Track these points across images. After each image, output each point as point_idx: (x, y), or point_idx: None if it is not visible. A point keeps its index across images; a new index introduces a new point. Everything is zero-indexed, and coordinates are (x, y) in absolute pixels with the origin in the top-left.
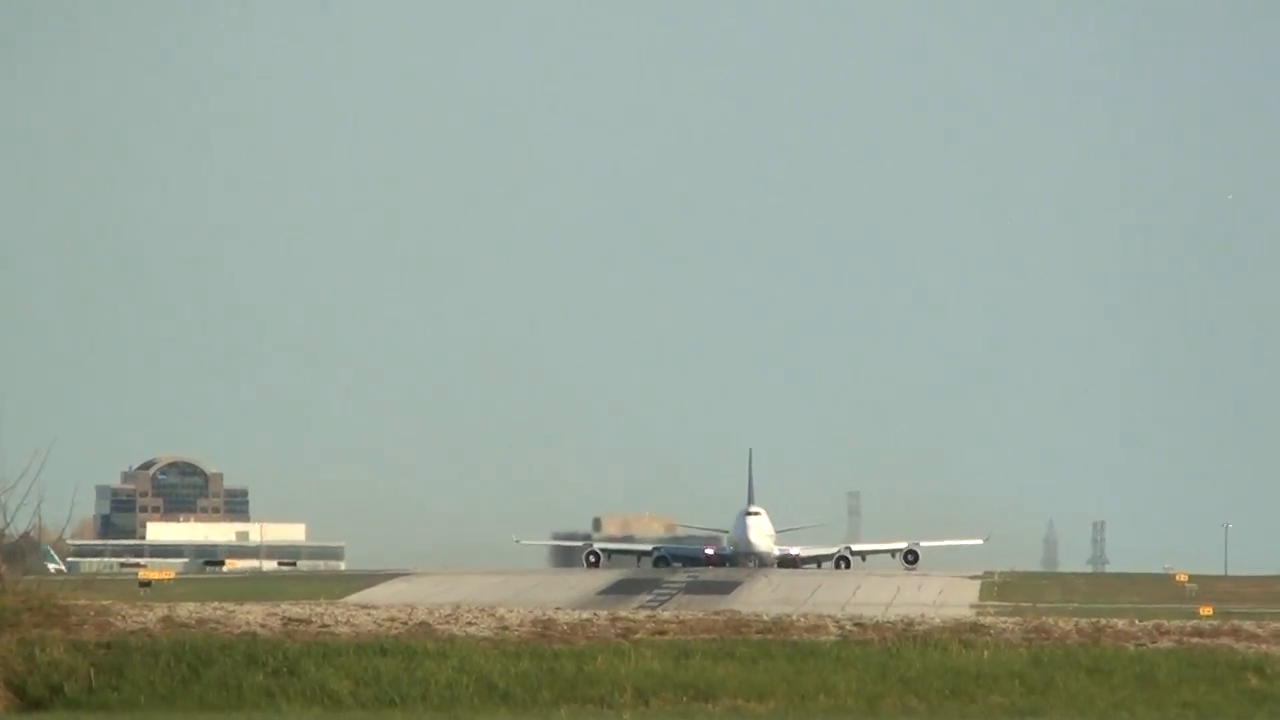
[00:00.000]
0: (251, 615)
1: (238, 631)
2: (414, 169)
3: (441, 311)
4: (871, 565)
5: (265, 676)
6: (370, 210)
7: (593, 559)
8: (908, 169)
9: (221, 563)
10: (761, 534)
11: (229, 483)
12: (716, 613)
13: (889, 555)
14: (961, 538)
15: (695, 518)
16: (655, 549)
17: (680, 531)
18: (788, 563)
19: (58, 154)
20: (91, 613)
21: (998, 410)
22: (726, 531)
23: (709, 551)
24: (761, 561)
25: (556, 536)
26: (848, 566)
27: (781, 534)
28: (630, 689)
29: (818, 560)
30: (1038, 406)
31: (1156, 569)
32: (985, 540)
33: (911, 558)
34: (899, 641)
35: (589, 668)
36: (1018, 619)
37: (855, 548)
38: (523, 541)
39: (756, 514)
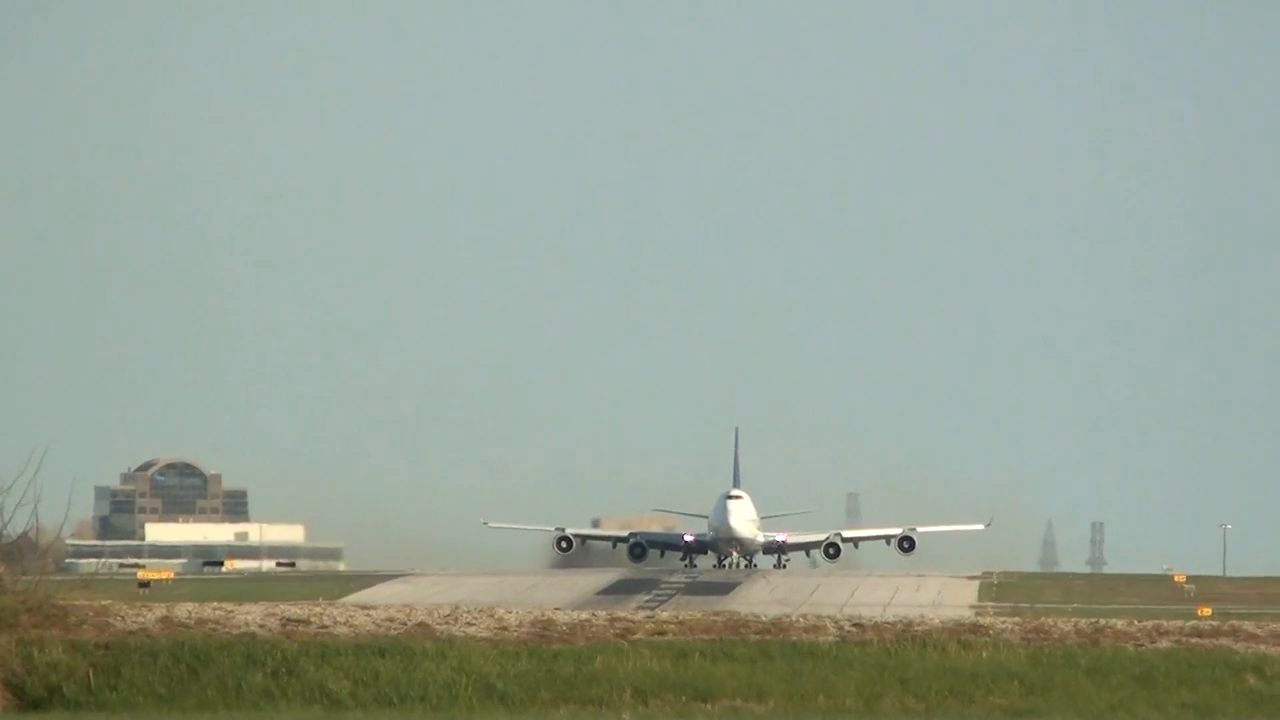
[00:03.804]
0: (250, 615)
1: (237, 632)
2: (411, 169)
3: (442, 312)
4: (867, 556)
5: (264, 677)
6: (369, 211)
7: (565, 545)
8: (907, 164)
9: (221, 563)
10: (743, 519)
11: (228, 484)
12: (715, 613)
13: (884, 542)
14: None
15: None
16: (631, 535)
17: (676, 526)
18: (773, 549)
19: (56, 153)
20: (90, 613)
21: (996, 410)
22: (706, 516)
23: (689, 538)
24: (744, 548)
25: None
26: (838, 554)
27: (767, 520)
28: (629, 689)
29: (806, 547)
30: (1036, 406)
31: (1155, 570)
32: (987, 525)
33: (907, 544)
34: (898, 642)
35: (588, 668)
36: (1016, 619)
37: (847, 534)
38: (490, 524)
39: (738, 497)
